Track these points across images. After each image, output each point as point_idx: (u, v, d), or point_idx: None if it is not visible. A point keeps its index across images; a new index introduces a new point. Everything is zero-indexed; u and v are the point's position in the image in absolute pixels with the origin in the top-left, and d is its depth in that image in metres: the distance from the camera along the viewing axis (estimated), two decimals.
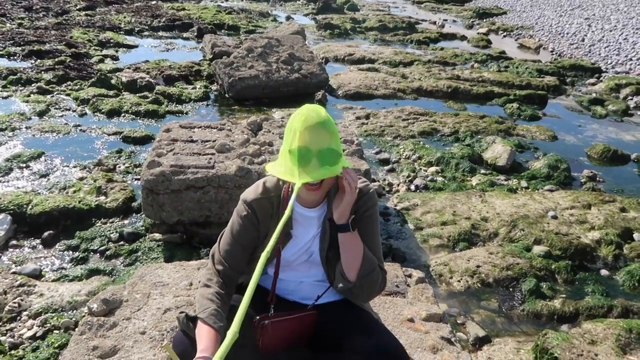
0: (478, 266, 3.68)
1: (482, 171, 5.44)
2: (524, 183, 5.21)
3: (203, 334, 1.62)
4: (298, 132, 1.61)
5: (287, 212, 1.61)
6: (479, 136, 6.38)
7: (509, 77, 9.09)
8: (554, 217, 4.34)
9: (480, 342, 3.00)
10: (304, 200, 1.82)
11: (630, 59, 11.32)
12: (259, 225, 1.82)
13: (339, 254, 1.82)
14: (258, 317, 1.79)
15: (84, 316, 2.34)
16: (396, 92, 8.08)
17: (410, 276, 2.66)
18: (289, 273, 1.91)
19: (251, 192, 1.84)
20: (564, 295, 3.51)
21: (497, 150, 5.70)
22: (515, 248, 3.92)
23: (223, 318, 1.67)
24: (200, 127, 4.34)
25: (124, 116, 6.22)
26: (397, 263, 2.76)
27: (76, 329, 2.11)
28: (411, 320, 2.25)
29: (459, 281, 3.57)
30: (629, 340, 2.79)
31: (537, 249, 3.91)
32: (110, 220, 4.02)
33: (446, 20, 16.37)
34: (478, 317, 3.28)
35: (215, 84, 7.62)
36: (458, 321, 3.20)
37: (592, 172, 5.60)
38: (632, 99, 8.79)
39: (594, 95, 8.94)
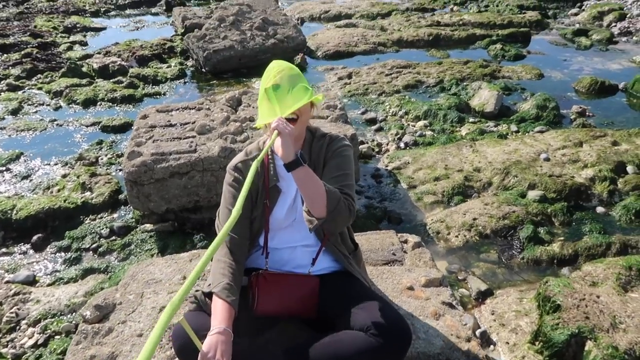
0: (474, 219, 3.65)
1: (471, 119, 5.35)
2: (513, 127, 5.13)
3: (218, 308, 1.67)
4: (272, 74, 1.76)
5: (268, 143, 1.71)
6: (465, 83, 6.25)
7: (489, 17, 8.86)
8: (547, 159, 4.29)
9: (482, 296, 3.00)
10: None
11: None
12: None
13: None
14: (253, 273, 1.85)
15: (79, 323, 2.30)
16: (377, 47, 7.87)
17: (406, 242, 2.62)
18: (279, 239, 1.92)
19: (235, 159, 1.95)
20: (562, 238, 3.50)
21: (484, 96, 5.59)
22: (510, 196, 3.88)
23: (236, 291, 1.73)
24: (178, 109, 4.21)
25: (100, 105, 6.03)
26: (391, 230, 2.72)
27: (72, 340, 2.07)
28: (411, 288, 2.22)
29: (456, 236, 3.55)
30: (629, 278, 2.78)
31: (532, 194, 3.87)
32: (99, 216, 3.94)
33: None
34: (479, 270, 3.27)
35: (191, 59, 7.38)
36: (459, 277, 3.20)
37: (581, 107, 5.53)
38: (615, 26, 8.62)
39: (577, 26, 8.76)
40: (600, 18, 8.99)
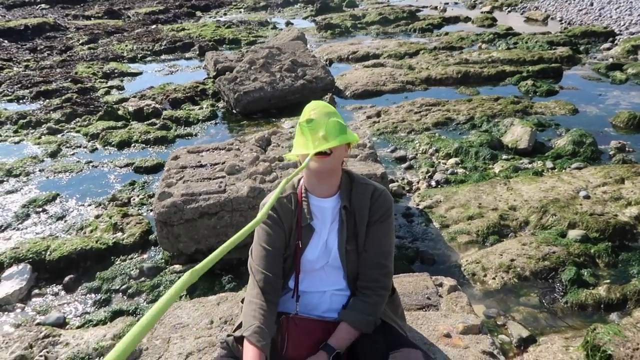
0: (512, 260, 3.49)
1: (504, 157, 5.22)
2: (549, 164, 4.97)
3: (249, 354, 1.64)
4: (307, 111, 1.77)
5: (299, 169, 1.74)
6: (496, 120, 6.15)
7: (519, 53, 8.81)
8: (587, 197, 4.11)
9: (525, 344, 2.82)
10: (319, 189, 1.84)
11: None
12: (282, 224, 1.85)
13: (358, 248, 1.83)
14: (283, 316, 1.80)
15: None
16: (405, 85, 7.89)
17: (441, 285, 2.50)
18: (309, 282, 1.88)
19: (269, 196, 1.90)
20: (608, 281, 3.29)
21: (517, 133, 5.47)
22: (550, 235, 3.71)
23: (267, 335, 1.69)
24: (208, 149, 4.25)
25: (134, 146, 6.18)
26: (425, 273, 2.60)
27: None
28: (448, 335, 2.09)
29: (493, 278, 3.39)
30: None
31: (573, 234, 3.69)
32: (130, 257, 3.96)
33: (447, 3, 16.07)
34: (519, 315, 3.09)
35: (222, 101, 7.55)
36: (498, 322, 3.03)
37: (620, 142, 5.34)
38: None
39: (610, 60, 8.60)
40: (635, 52, 8.82)
